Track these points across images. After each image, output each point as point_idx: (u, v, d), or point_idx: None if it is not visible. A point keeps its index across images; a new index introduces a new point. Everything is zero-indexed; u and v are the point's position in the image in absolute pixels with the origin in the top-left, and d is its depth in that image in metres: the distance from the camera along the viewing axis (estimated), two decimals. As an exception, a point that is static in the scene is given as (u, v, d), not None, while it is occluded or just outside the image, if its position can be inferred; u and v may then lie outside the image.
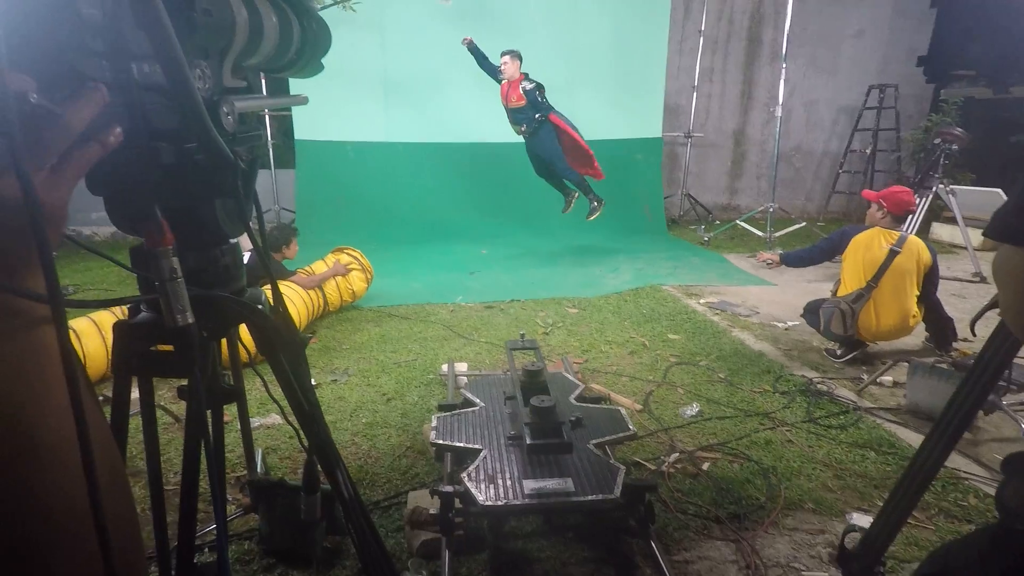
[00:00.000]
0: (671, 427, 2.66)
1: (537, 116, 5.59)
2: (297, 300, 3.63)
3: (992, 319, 1.12)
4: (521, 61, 5.55)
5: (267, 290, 0.95)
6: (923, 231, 6.66)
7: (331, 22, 0.98)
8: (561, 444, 1.88)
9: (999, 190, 6.32)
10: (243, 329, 0.90)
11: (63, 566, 0.43)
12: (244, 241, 0.87)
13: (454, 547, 1.79)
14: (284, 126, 7.72)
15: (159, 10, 0.52)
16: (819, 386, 3.08)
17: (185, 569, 0.82)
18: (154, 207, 0.66)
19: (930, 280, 3.40)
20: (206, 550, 1.80)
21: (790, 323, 4.11)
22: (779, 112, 6.78)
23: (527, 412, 1.99)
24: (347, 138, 7.08)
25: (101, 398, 1.85)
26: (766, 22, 8.44)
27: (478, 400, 2.32)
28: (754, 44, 8.56)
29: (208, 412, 0.84)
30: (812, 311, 3.58)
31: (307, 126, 6.92)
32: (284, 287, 3.58)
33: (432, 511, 1.83)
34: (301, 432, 0.96)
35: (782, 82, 6.74)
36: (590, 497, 1.73)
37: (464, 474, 1.83)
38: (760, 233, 7.08)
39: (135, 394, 0.87)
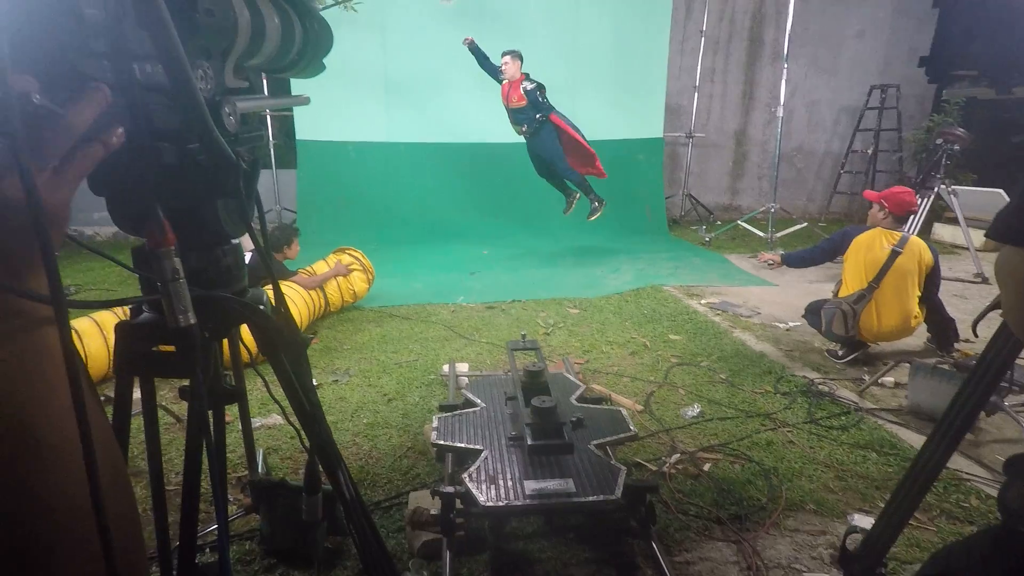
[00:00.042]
0: (672, 428, 2.66)
1: (538, 116, 5.59)
2: (298, 300, 3.63)
3: (994, 320, 1.11)
4: (522, 61, 5.54)
5: (268, 290, 0.95)
6: (925, 231, 6.65)
7: (332, 22, 0.98)
8: (562, 445, 1.88)
9: (1001, 191, 6.31)
10: (244, 329, 0.90)
11: (65, 566, 0.43)
12: (246, 241, 0.87)
13: (455, 548, 1.79)
14: (286, 126, 7.73)
15: (161, 10, 0.52)
16: (820, 387, 3.08)
17: (186, 569, 0.81)
18: (156, 207, 0.66)
19: (932, 281, 3.40)
20: (207, 550, 1.80)
21: (791, 324, 4.11)
22: (780, 112, 6.78)
23: (528, 413, 1.98)
24: (348, 138, 7.09)
25: (103, 398, 1.85)
26: (768, 22, 8.43)
27: (479, 401, 2.32)
28: (755, 44, 8.56)
29: (210, 412, 0.84)
30: (813, 312, 3.57)
31: (308, 126, 6.93)
32: (285, 287, 3.59)
33: (433, 512, 1.82)
34: (302, 432, 0.96)
35: (783, 82, 6.73)
36: (591, 498, 1.73)
37: (465, 475, 1.83)
38: (761, 233, 7.08)
39: (137, 394, 0.87)
